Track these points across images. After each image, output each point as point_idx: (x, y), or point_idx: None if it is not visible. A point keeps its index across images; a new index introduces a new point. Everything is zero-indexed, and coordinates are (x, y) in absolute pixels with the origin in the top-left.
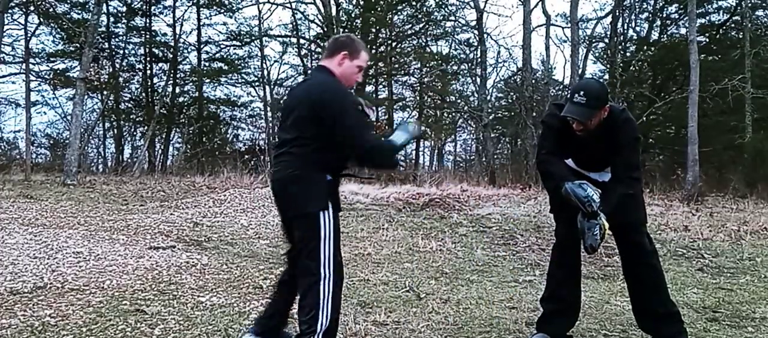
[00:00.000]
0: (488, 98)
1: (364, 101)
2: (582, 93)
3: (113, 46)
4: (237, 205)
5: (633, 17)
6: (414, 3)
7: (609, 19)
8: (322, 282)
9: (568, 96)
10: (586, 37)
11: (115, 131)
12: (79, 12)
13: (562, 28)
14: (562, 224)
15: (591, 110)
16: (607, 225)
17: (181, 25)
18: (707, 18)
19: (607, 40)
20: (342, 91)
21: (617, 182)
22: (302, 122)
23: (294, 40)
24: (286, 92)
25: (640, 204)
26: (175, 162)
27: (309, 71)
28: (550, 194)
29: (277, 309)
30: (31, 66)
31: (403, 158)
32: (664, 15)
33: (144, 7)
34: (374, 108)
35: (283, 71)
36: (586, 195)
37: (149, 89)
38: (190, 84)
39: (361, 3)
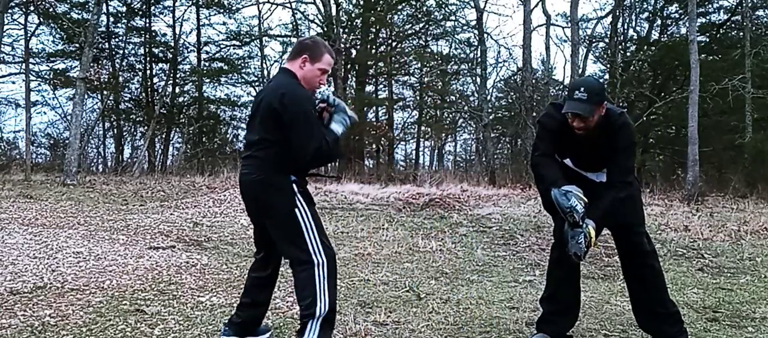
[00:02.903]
0: (488, 98)
1: (329, 96)
2: (582, 89)
3: (113, 46)
4: (237, 205)
5: (633, 17)
6: (414, 3)
7: (609, 18)
8: (316, 268)
9: (567, 94)
10: (587, 37)
11: (115, 131)
12: (79, 12)
13: (563, 27)
14: (559, 223)
15: (592, 106)
16: (594, 234)
17: (181, 25)
18: (707, 18)
19: (607, 40)
20: (299, 95)
21: (610, 187)
22: (264, 124)
23: (294, 40)
24: (261, 89)
25: (638, 205)
26: (175, 162)
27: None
28: (542, 196)
29: (255, 300)
30: (31, 66)
31: (403, 158)
32: (665, 15)
33: (144, 7)
34: (348, 111)
35: None
36: (569, 206)
37: (149, 89)
38: (190, 84)
39: (361, 3)
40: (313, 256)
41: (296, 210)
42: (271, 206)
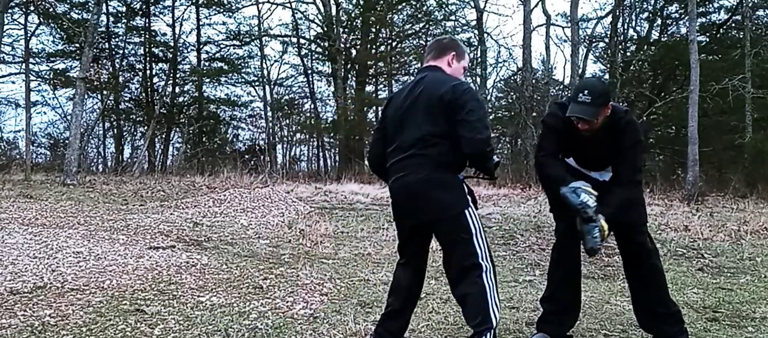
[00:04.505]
0: (488, 98)
1: None
2: (586, 92)
3: (113, 46)
4: (237, 205)
5: (633, 17)
6: (414, 3)
7: (609, 18)
8: (485, 274)
9: (571, 96)
10: (587, 37)
11: (115, 131)
12: (79, 12)
13: (563, 27)
14: (562, 223)
15: (596, 108)
16: (606, 227)
17: (181, 25)
18: (708, 18)
19: (607, 40)
20: (470, 85)
21: (618, 185)
22: (433, 118)
23: (294, 39)
24: (394, 93)
25: (641, 204)
26: (175, 162)
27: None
28: (548, 195)
29: (402, 315)
30: (31, 66)
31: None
32: (665, 15)
33: (144, 7)
34: None
35: (283, 71)
36: (581, 202)
37: (149, 89)
38: (190, 84)
39: (361, 3)
40: (482, 261)
41: (467, 211)
42: (444, 206)
